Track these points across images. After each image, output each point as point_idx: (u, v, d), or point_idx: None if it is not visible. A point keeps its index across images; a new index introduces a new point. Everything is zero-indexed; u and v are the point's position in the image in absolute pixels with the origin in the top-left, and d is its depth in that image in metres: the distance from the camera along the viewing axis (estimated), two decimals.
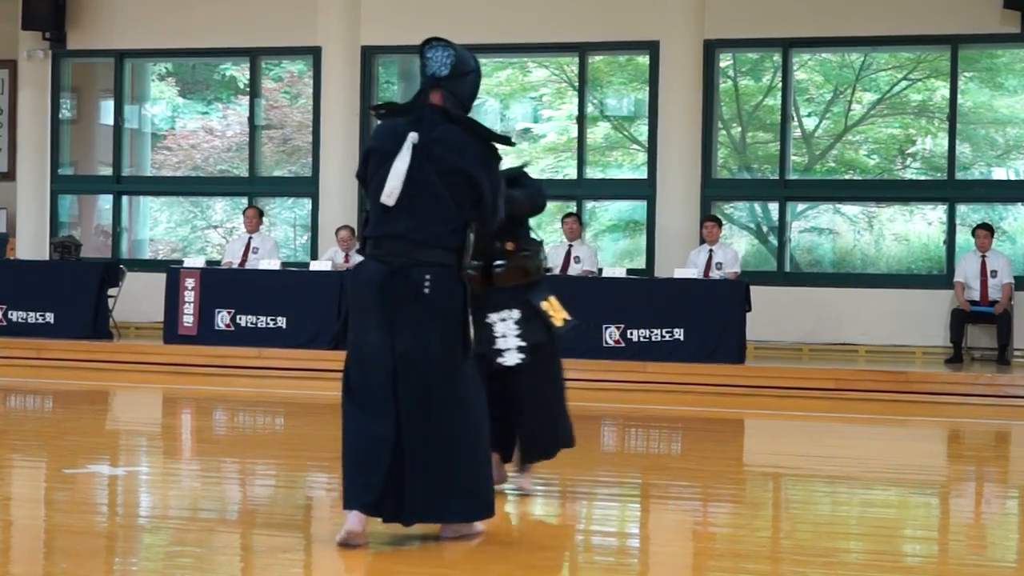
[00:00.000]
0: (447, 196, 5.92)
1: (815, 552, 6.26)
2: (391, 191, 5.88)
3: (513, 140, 6.24)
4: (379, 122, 6.24)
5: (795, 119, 17.72)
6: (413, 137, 5.93)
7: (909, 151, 18.59)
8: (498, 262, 7.00)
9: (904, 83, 18.05)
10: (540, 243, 7.36)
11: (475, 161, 5.98)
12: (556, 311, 7.27)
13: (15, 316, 16.25)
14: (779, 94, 17.24)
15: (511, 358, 7.06)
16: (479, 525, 6.17)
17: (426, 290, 5.88)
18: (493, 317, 7.08)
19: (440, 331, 5.90)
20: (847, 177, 18.32)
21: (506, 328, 7.10)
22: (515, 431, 7.20)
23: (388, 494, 5.86)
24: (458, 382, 5.93)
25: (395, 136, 5.97)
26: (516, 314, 7.12)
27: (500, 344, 7.06)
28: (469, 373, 6.00)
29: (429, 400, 5.86)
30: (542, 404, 7.24)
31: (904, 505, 7.90)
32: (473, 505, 6.00)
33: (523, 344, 7.09)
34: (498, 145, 6.11)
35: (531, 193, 7.27)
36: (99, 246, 19.41)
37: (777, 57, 17.30)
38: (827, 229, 18.82)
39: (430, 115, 5.99)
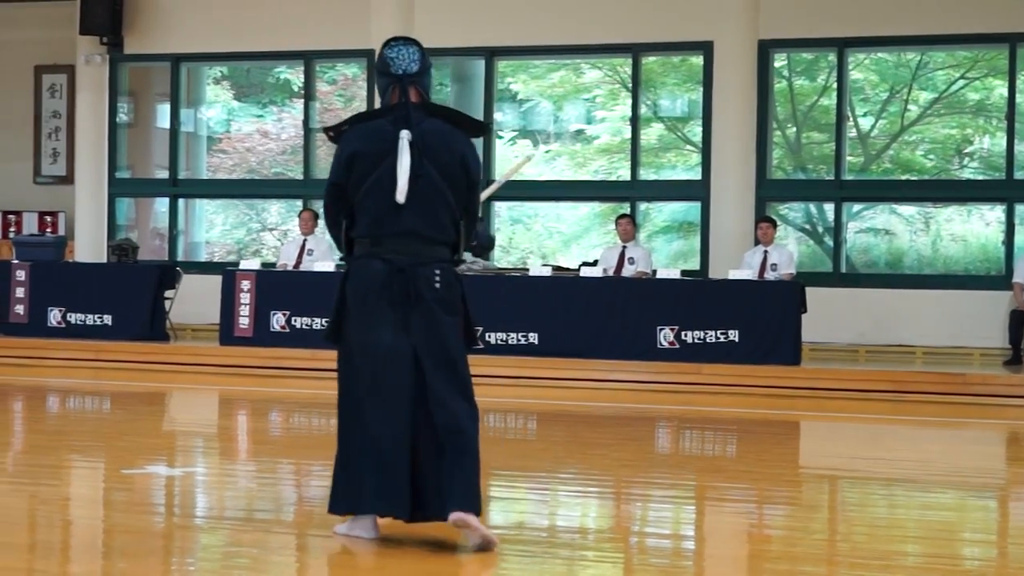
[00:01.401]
0: (446, 189, 5.95)
1: (872, 555, 6.22)
2: (403, 188, 5.86)
3: (490, 126, 6.29)
4: (346, 130, 6.09)
5: (851, 119, 17.62)
6: (406, 135, 5.90)
7: (966, 151, 18.45)
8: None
9: (961, 82, 17.92)
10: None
11: (466, 147, 6.04)
12: None
13: (74, 318, 16.38)
14: (834, 94, 17.15)
15: None
16: (490, 534, 6.00)
17: (437, 286, 5.90)
18: None
19: (453, 327, 5.95)
20: (903, 177, 18.19)
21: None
22: None
23: (409, 493, 5.84)
24: (468, 377, 5.97)
25: (381, 136, 5.94)
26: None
27: None
28: (468, 367, 6.04)
29: (447, 395, 5.85)
30: None
31: (962, 508, 7.84)
32: (477, 499, 5.93)
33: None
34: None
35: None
36: (156, 249, 19.55)
37: (832, 57, 17.21)
38: (883, 230, 18.70)
39: (413, 112, 5.97)
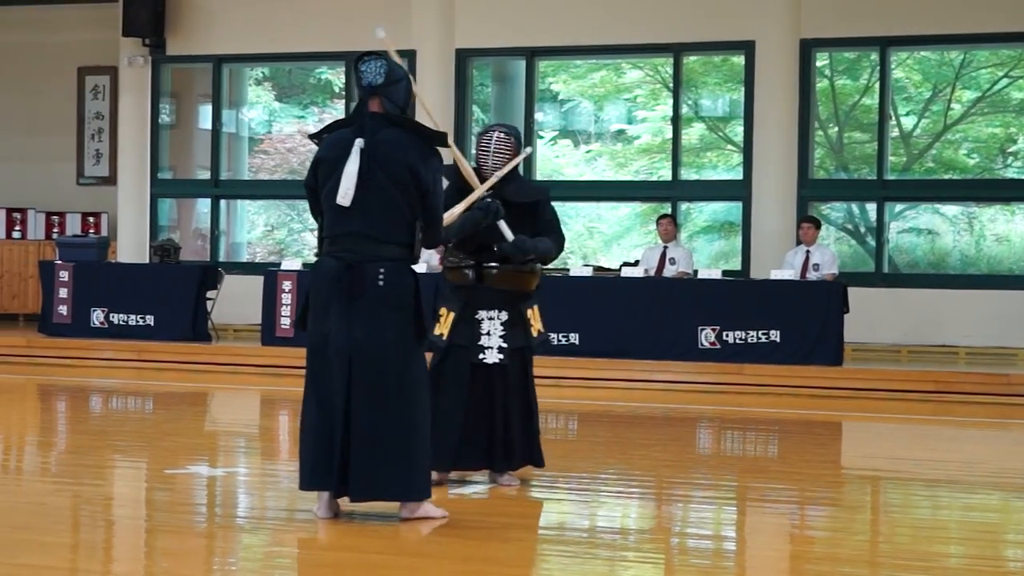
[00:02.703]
0: (396, 194, 6.36)
1: (914, 556, 6.19)
2: (346, 192, 6.32)
3: (448, 138, 6.63)
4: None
5: (893, 118, 17.53)
6: (359, 142, 6.37)
7: (1010, 150, 18.33)
8: (493, 264, 7.45)
9: (1005, 81, 17.81)
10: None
11: (416, 156, 6.41)
12: (535, 321, 7.61)
13: (116, 319, 16.47)
14: (877, 93, 17.07)
15: (491, 356, 7.44)
16: (438, 510, 6.48)
17: (380, 282, 6.33)
18: (482, 315, 7.47)
19: (394, 322, 6.35)
20: (946, 177, 18.10)
21: (492, 327, 7.47)
22: (497, 436, 7.43)
23: (337, 473, 6.27)
24: (409, 370, 6.37)
25: (341, 144, 6.42)
26: (504, 316, 7.48)
27: (484, 342, 7.44)
28: (418, 362, 6.44)
29: (380, 386, 6.29)
30: (528, 409, 7.56)
31: (1006, 510, 7.79)
32: (410, 486, 6.37)
33: (504, 346, 7.45)
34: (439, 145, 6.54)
35: (550, 245, 7.55)
36: (198, 249, 19.64)
37: (875, 56, 17.13)
38: (926, 230, 18.61)
39: (371, 121, 6.44)
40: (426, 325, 6.53)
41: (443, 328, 7.47)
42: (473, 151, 7.76)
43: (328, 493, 6.40)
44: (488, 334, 7.45)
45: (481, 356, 7.42)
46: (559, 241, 7.61)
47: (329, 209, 6.44)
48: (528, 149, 7.59)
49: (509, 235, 7.31)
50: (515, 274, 7.50)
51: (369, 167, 6.34)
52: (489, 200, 7.29)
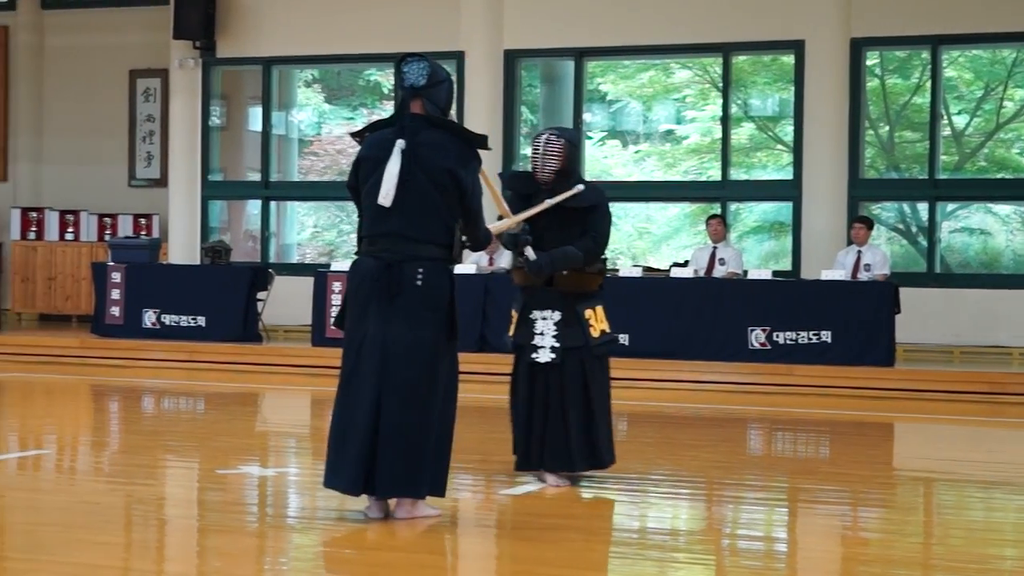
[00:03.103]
0: (436, 195, 6.43)
1: (968, 559, 6.14)
2: (387, 192, 6.38)
3: (488, 143, 6.67)
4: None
5: (944, 117, 17.41)
6: (400, 143, 6.43)
7: None
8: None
9: None
10: (605, 260, 7.85)
11: (456, 159, 6.47)
12: (598, 322, 7.68)
13: (168, 320, 16.57)
14: (928, 92, 16.95)
15: (543, 356, 7.56)
16: (433, 509, 6.54)
17: (418, 282, 6.39)
18: (536, 315, 7.61)
19: (430, 321, 6.42)
20: (999, 176, 17.96)
21: (545, 327, 7.59)
22: (552, 436, 7.54)
23: (363, 472, 6.35)
24: (440, 370, 6.44)
25: (383, 144, 6.49)
26: (557, 316, 7.59)
27: (537, 341, 7.58)
28: (450, 363, 6.53)
29: (411, 385, 6.35)
30: (588, 411, 7.59)
31: None
32: (434, 484, 6.45)
33: (556, 345, 7.55)
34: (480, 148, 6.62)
35: (576, 253, 7.57)
36: (248, 251, 19.73)
37: (926, 54, 17.01)
38: (978, 229, 18.48)
39: (412, 122, 6.51)
40: (458, 326, 6.54)
41: (512, 329, 7.71)
42: (521, 152, 7.88)
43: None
44: (541, 334, 7.58)
45: (534, 355, 7.55)
46: (590, 245, 7.59)
47: (368, 209, 6.51)
48: (579, 187, 7.55)
49: (532, 256, 7.48)
50: (577, 275, 7.61)
51: (410, 168, 6.40)
52: (518, 233, 7.46)
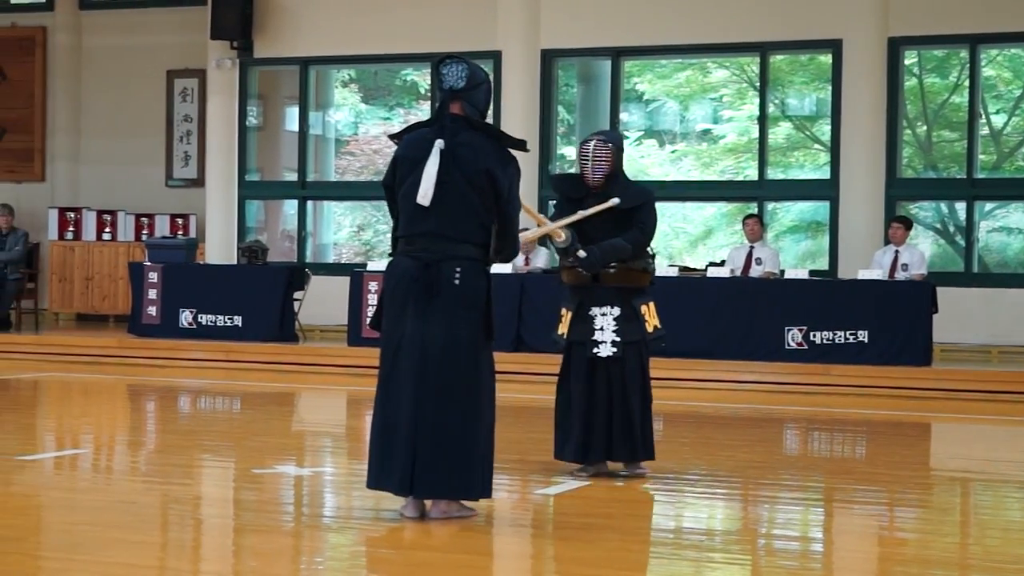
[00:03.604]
0: (473, 196, 6.46)
1: (1006, 559, 6.11)
2: (425, 192, 6.42)
3: (527, 145, 6.71)
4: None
5: (983, 116, 17.31)
6: (440, 143, 6.47)
7: None
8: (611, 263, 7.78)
9: None
10: (653, 255, 8.04)
11: (495, 161, 6.51)
12: (651, 317, 7.93)
13: (205, 319, 16.62)
14: (966, 91, 16.86)
15: (605, 350, 7.76)
16: (468, 509, 6.55)
17: (456, 281, 6.42)
18: (595, 311, 7.81)
19: (467, 321, 6.44)
20: None
21: (605, 323, 7.80)
22: (617, 429, 7.76)
23: (404, 473, 6.36)
24: (478, 370, 6.46)
25: (422, 144, 6.52)
26: (616, 311, 7.81)
27: (597, 336, 7.78)
28: (486, 363, 6.53)
29: (449, 385, 6.37)
30: (645, 402, 7.87)
31: None
32: (472, 485, 6.43)
33: (617, 339, 7.77)
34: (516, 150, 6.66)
35: (623, 244, 7.79)
36: (285, 250, 19.78)
37: (964, 54, 16.92)
38: (1016, 229, 18.37)
39: (452, 123, 6.53)
40: (495, 326, 6.60)
41: (563, 327, 7.90)
42: (559, 152, 8.02)
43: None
44: (601, 329, 7.79)
45: (596, 351, 7.76)
46: (638, 236, 7.83)
47: (406, 208, 6.54)
48: (614, 200, 7.76)
49: (583, 254, 7.68)
50: (627, 272, 7.85)
51: (448, 169, 6.44)
52: (567, 246, 7.67)
